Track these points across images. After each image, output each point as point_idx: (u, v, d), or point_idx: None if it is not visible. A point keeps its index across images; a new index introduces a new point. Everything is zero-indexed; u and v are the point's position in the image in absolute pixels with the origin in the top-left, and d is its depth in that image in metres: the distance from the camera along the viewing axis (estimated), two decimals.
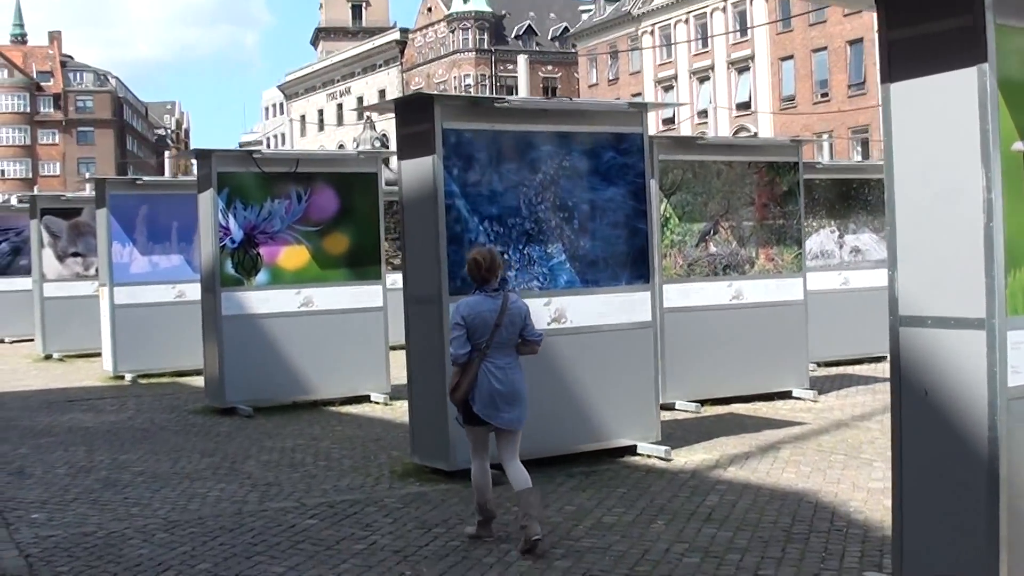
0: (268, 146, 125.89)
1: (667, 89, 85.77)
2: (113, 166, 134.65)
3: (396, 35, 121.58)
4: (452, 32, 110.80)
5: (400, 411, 16.56)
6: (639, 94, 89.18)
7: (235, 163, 17.35)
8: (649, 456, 12.70)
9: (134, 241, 21.65)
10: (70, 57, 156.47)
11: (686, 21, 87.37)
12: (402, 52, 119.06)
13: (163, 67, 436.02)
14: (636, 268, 12.93)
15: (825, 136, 69.36)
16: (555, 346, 12.12)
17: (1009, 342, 6.16)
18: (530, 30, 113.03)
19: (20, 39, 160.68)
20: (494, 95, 11.39)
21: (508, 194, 12.02)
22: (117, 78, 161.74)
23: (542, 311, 12.13)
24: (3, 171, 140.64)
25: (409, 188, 12.10)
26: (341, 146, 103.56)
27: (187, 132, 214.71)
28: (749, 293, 17.06)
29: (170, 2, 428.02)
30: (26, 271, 30.16)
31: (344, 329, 17.57)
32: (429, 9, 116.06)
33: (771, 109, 78.48)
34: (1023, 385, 6.20)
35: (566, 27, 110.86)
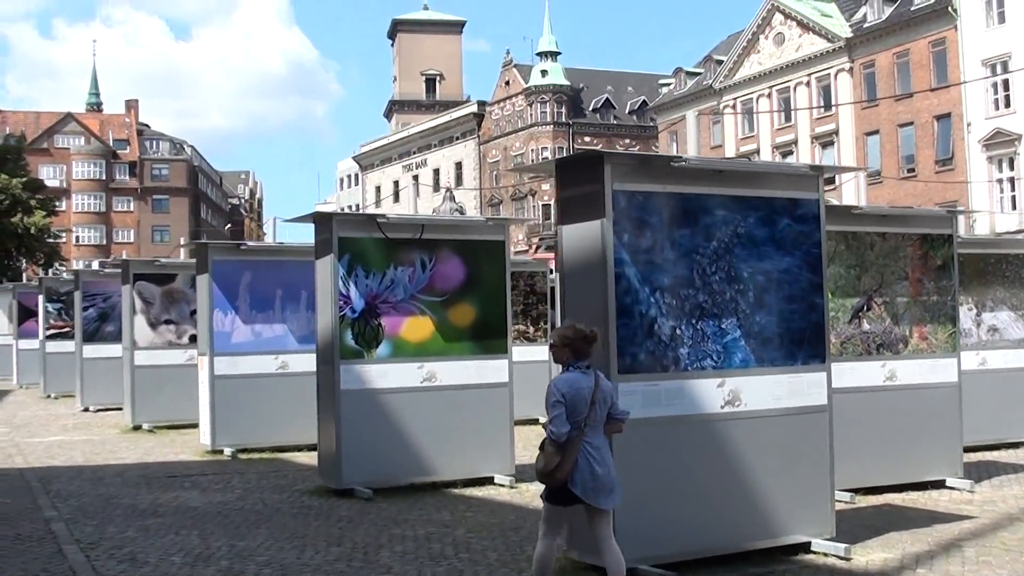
0: None
1: None
2: (187, 234, 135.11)
3: (474, 108, 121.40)
4: (530, 105, 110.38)
5: (529, 495, 15.53)
6: None
7: (357, 228, 16.32)
8: (826, 555, 11.48)
9: (236, 309, 20.67)
10: (146, 126, 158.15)
11: (768, 95, 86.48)
12: (479, 125, 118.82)
13: (236, 137, 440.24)
14: (812, 346, 11.73)
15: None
16: (729, 432, 11.11)
17: None
18: (608, 103, 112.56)
19: (96, 108, 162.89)
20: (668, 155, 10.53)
21: (681, 263, 10.89)
22: (192, 147, 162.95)
23: (715, 393, 11.03)
24: (78, 237, 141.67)
25: (571, 255, 10.97)
26: None
27: (260, 201, 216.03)
28: (903, 374, 15.87)
29: (241, 75, 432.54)
30: (112, 338, 29.58)
31: (468, 406, 16.48)
32: (507, 83, 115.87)
33: (857, 184, 77.12)
34: None
35: (644, 101, 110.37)
